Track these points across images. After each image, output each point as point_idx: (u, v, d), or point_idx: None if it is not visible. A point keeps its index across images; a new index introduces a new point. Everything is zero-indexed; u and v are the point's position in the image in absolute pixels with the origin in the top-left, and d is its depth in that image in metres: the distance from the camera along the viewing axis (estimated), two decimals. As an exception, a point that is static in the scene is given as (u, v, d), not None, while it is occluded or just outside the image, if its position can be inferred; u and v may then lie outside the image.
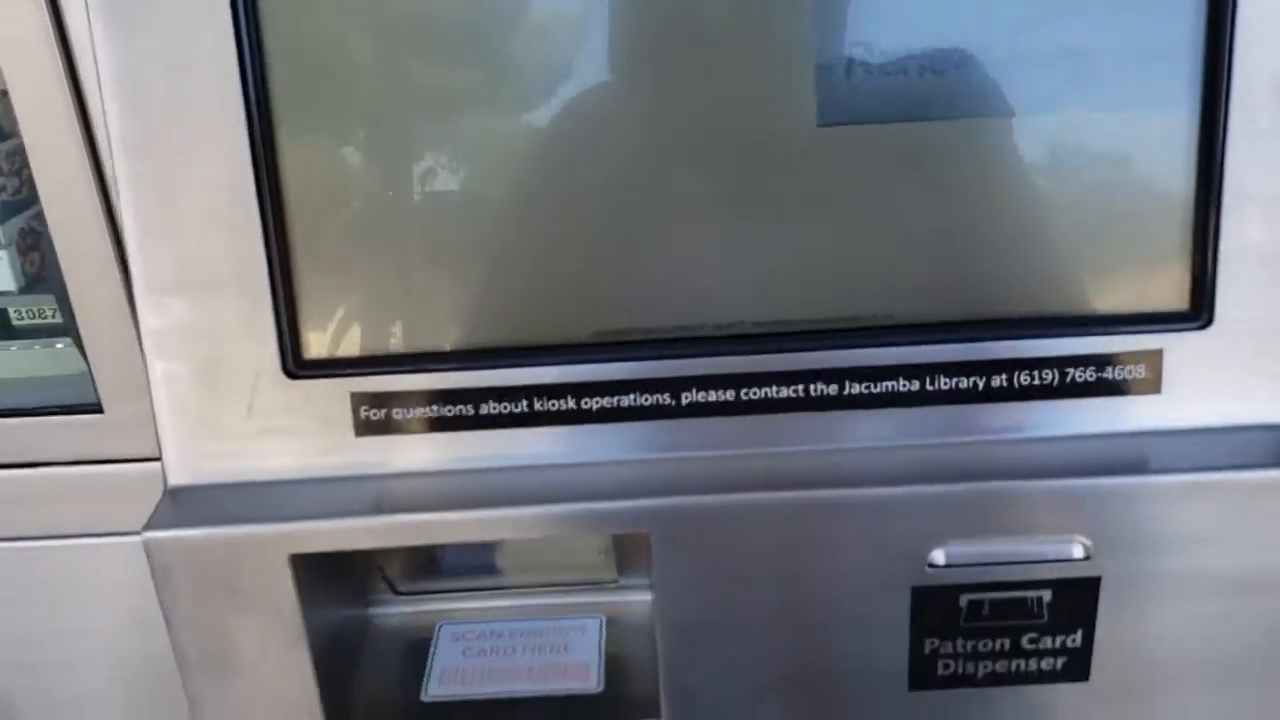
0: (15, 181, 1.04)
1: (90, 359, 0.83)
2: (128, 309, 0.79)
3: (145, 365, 0.75)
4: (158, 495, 0.83)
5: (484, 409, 0.73)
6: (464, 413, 0.73)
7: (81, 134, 0.76)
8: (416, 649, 0.85)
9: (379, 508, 0.71)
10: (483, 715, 0.79)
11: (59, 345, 0.97)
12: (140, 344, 0.78)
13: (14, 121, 0.76)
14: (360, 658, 0.84)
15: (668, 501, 0.70)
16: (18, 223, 1.01)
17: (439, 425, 0.73)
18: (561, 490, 0.72)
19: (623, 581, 0.87)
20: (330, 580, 0.78)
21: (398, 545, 0.73)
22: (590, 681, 0.81)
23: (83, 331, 0.82)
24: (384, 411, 0.73)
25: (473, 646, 0.84)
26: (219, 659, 0.73)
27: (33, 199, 0.96)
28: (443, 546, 0.86)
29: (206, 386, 0.72)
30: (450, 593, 0.88)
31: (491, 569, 0.88)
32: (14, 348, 1.00)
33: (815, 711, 0.76)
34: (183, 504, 0.72)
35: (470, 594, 0.88)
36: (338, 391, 0.73)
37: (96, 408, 0.85)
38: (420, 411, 0.73)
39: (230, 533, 0.70)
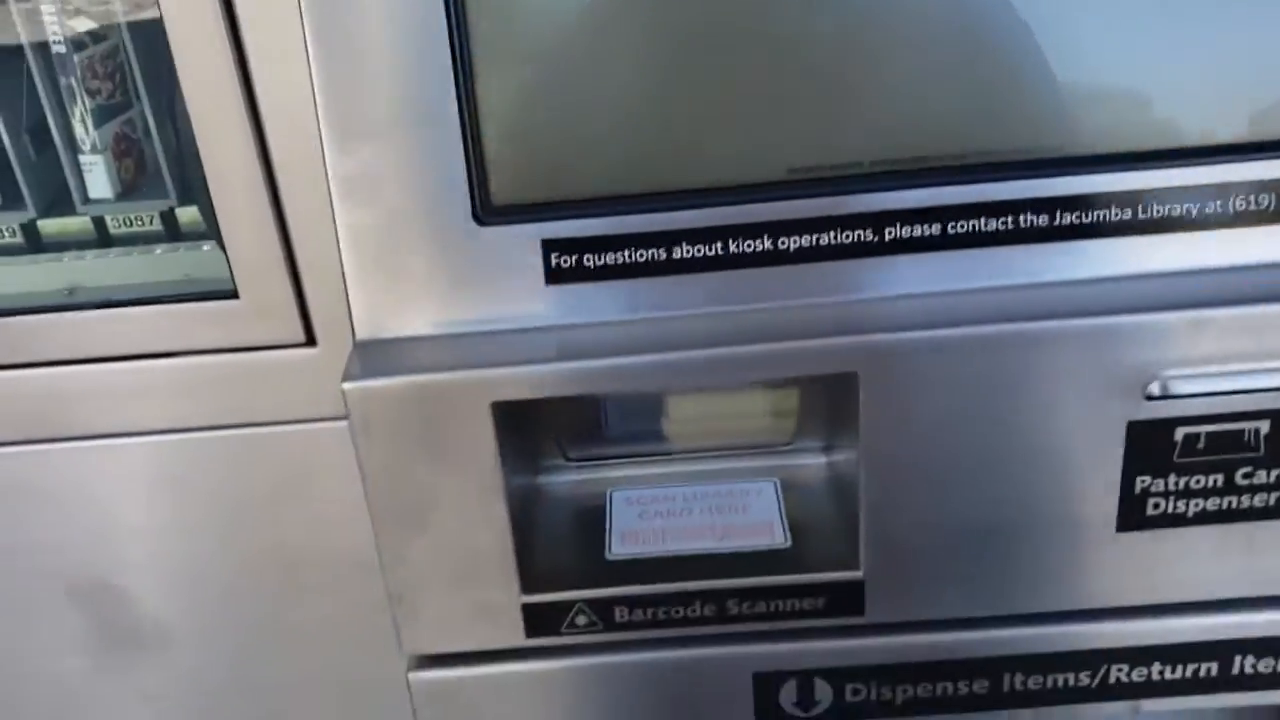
0: (109, 85, 1.02)
1: (226, 242, 0.81)
2: (265, 190, 0.77)
3: (284, 247, 0.74)
4: (298, 383, 0.83)
5: (677, 252, 0.71)
6: (657, 257, 0.71)
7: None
8: (587, 516, 0.84)
9: (577, 354, 0.69)
10: (669, 571, 0.78)
11: (158, 251, 0.95)
12: (279, 223, 0.76)
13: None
14: (535, 526, 0.83)
15: (877, 338, 0.68)
16: (112, 128, 0.99)
17: (632, 270, 0.71)
18: (762, 332, 0.70)
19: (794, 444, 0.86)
20: (511, 442, 0.77)
21: (604, 391, 0.72)
22: (777, 537, 0.79)
23: (217, 206, 0.80)
24: (575, 258, 0.71)
25: (648, 509, 0.83)
26: (415, 512, 0.72)
27: (126, 104, 0.94)
28: (607, 411, 0.85)
29: (394, 235, 0.70)
30: (617, 459, 0.86)
31: (657, 435, 0.86)
32: (112, 254, 0.98)
33: (1018, 557, 0.74)
34: (375, 356, 0.71)
35: (637, 461, 0.87)
36: (528, 238, 0.71)
37: (231, 294, 0.83)
38: (612, 257, 0.71)
39: (432, 380, 0.68)
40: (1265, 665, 0.77)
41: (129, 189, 0.96)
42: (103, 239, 0.96)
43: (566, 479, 0.86)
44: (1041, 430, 0.71)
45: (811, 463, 0.85)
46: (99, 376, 0.84)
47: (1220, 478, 0.71)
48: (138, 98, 0.93)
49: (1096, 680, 0.78)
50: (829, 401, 0.81)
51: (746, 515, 0.82)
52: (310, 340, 0.82)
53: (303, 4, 0.66)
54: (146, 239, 0.96)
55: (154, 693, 0.96)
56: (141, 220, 0.98)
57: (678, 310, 0.72)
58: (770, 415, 0.85)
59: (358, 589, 0.90)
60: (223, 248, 0.80)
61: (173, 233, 0.94)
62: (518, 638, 0.77)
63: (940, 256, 0.70)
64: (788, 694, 0.80)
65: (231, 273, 0.81)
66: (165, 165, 0.91)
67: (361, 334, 0.72)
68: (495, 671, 0.79)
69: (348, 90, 0.67)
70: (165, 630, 0.94)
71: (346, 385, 0.68)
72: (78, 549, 0.91)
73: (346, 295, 0.72)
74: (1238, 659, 0.77)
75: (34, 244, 0.94)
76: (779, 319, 0.71)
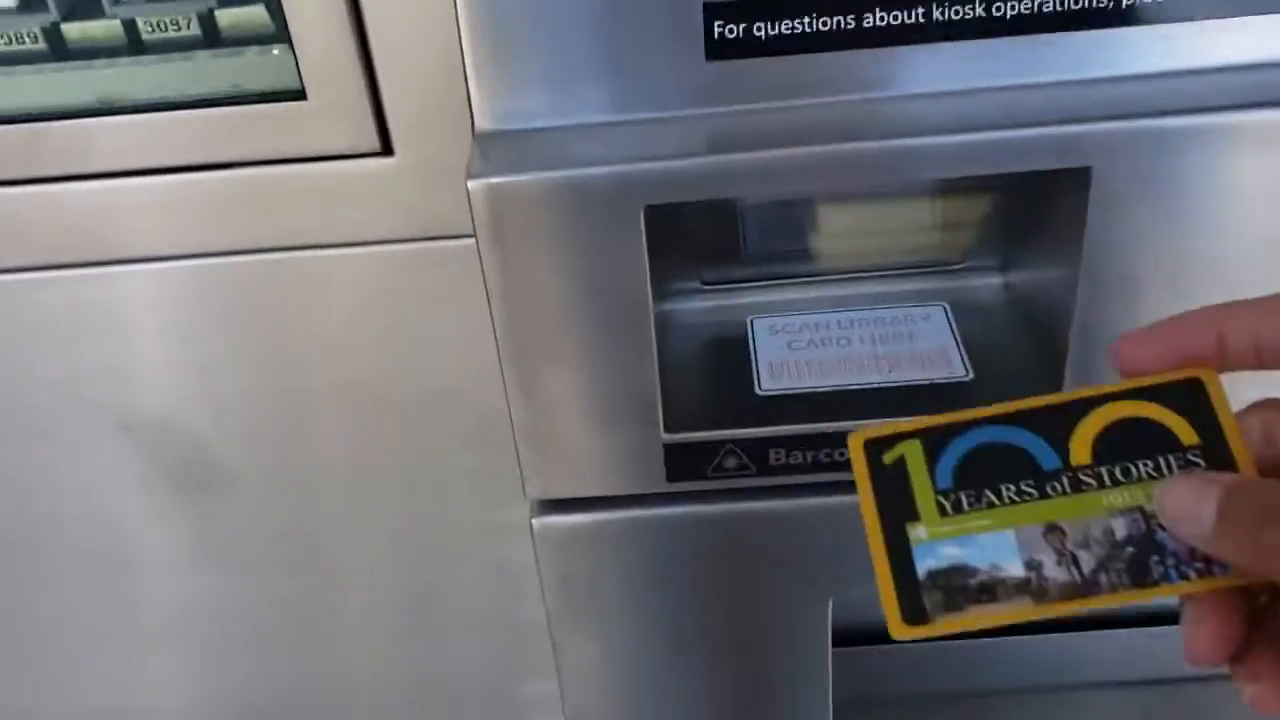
0: None
1: (293, 32, 0.68)
2: None
3: (359, 40, 0.63)
4: (372, 198, 0.71)
5: (868, 20, 0.58)
6: (843, 25, 0.58)
7: None
8: (724, 346, 0.73)
9: (747, 145, 0.57)
10: (829, 409, 0.68)
11: (198, 58, 0.82)
12: (352, 10, 0.64)
13: None
14: (667, 357, 0.72)
15: (1124, 125, 0.56)
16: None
17: (813, 43, 0.58)
18: (976, 119, 0.57)
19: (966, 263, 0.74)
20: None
21: (795, 191, 0.60)
22: (956, 368, 0.68)
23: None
24: (743, 26, 0.58)
25: (797, 339, 0.72)
26: (549, 338, 0.61)
27: None
28: (747, 225, 0.73)
29: (523, 2, 0.57)
30: (758, 282, 0.75)
31: (803, 255, 0.75)
32: (146, 62, 0.85)
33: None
34: (503, 150, 0.59)
35: (779, 285, 0.75)
36: (684, 2, 0.58)
37: (298, 94, 0.70)
38: (789, 25, 0.58)
39: (576, 178, 0.56)
40: None
41: None
42: (134, 46, 0.84)
43: (700, 305, 0.75)
44: (1296, 236, 0.59)
45: (986, 284, 0.73)
46: (151, 190, 0.73)
47: None
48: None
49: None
50: (1010, 209, 0.69)
51: (915, 344, 0.71)
52: (387, 149, 0.70)
53: None
54: (183, 45, 0.84)
55: (216, 537, 0.89)
56: (177, 24, 0.85)
57: (869, 93, 0.59)
58: (938, 229, 0.73)
59: (436, 427, 0.81)
60: (288, 39, 0.68)
61: (212, 39, 0.82)
62: (658, 482, 0.67)
63: (1177, 29, 0.57)
64: (958, 543, 0.70)
65: (298, 67, 0.69)
66: None
67: (482, 124, 0.60)
68: (629, 517, 0.70)
69: None
70: (228, 470, 0.86)
71: (472, 184, 0.57)
72: (135, 383, 0.81)
73: (465, 77, 0.59)
74: None
75: (58, 50, 0.81)
76: (991, 103, 0.58)
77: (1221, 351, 0.41)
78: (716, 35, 0.58)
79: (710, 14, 0.58)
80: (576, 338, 0.61)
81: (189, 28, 0.83)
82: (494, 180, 0.56)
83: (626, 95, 0.59)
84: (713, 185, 0.57)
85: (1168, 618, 0.81)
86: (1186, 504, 0.38)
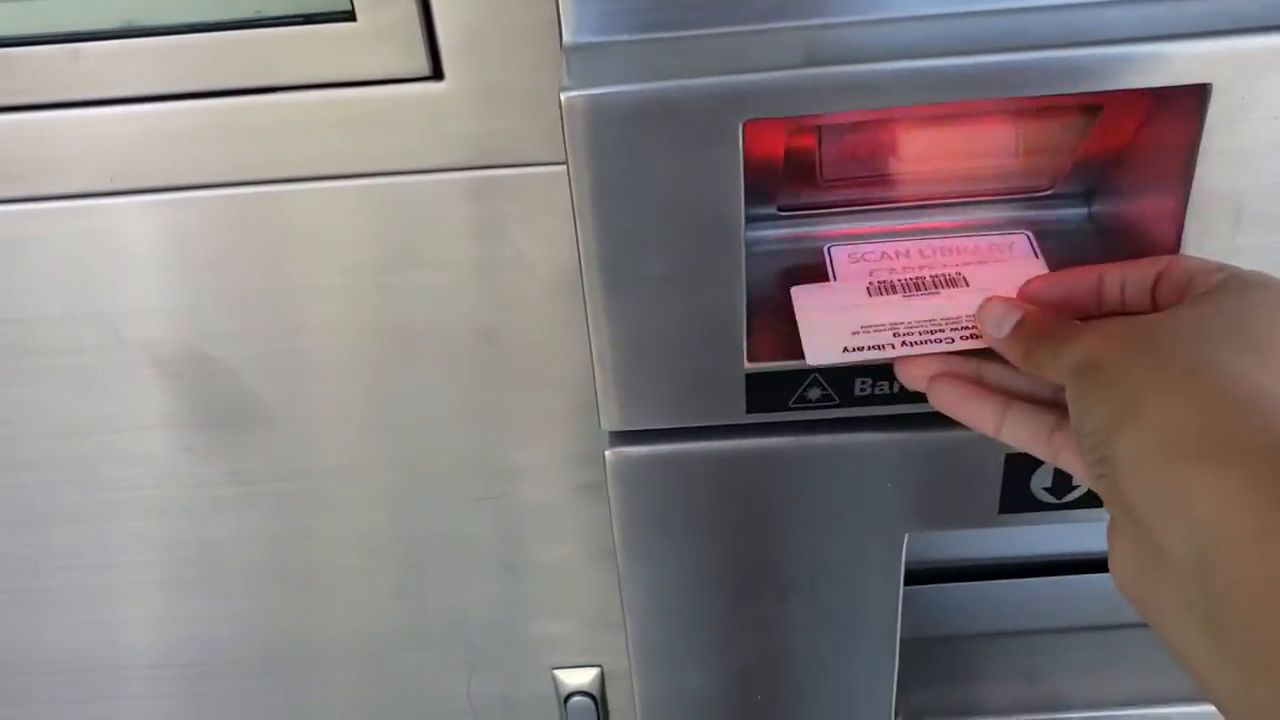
0: None
1: None
2: None
3: None
4: (421, 125, 0.69)
5: (975, -69, 0.55)
6: (948, -64, 0.55)
7: None
8: (802, 276, 0.71)
9: (851, 58, 0.55)
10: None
11: None
12: None
13: None
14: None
15: (1248, 41, 0.53)
16: None
17: (911, -46, 0.56)
18: (1087, 34, 0.55)
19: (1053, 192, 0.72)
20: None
21: (894, 103, 0.57)
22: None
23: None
24: (844, -62, 0.55)
25: (879, 267, 0.70)
26: (635, 259, 0.59)
27: None
28: (823, 149, 0.71)
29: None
30: (835, 210, 0.73)
31: (881, 181, 0.72)
32: None
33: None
34: (593, 63, 0.56)
35: (857, 213, 0.73)
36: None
37: (346, 15, 0.68)
38: (891, -64, 0.55)
39: (673, 89, 0.54)
40: None
41: None
42: None
43: (775, 233, 0.73)
44: None
45: (1071, 213, 0.71)
46: (189, 115, 0.71)
47: None
48: None
49: None
50: (1099, 137, 0.67)
51: (1004, 266, 0.68)
52: (438, 73, 0.68)
53: None
54: None
55: (251, 475, 0.87)
56: None
57: (980, 4, 0.57)
58: (1021, 154, 0.70)
59: (477, 366, 0.80)
60: None
61: None
62: (737, 413, 0.66)
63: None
64: (1041, 477, 0.69)
65: None
66: None
67: (570, 37, 0.58)
68: (706, 449, 0.68)
69: None
70: (264, 407, 0.84)
71: (565, 95, 0.54)
72: (168, 315, 0.79)
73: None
74: None
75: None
76: (1106, 16, 0.56)
77: (1099, 294, 0.57)
78: (815, -55, 0.55)
79: (808, -74, 0.55)
80: (665, 261, 0.59)
81: None
82: (588, 92, 0.54)
83: (718, 7, 0.57)
84: (814, 100, 0.55)
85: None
86: (996, 312, 0.58)
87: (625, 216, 0.58)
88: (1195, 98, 0.55)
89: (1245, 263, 0.59)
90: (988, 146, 0.70)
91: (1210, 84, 0.54)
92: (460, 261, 0.75)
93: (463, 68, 0.67)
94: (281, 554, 0.91)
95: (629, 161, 0.56)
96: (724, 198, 0.57)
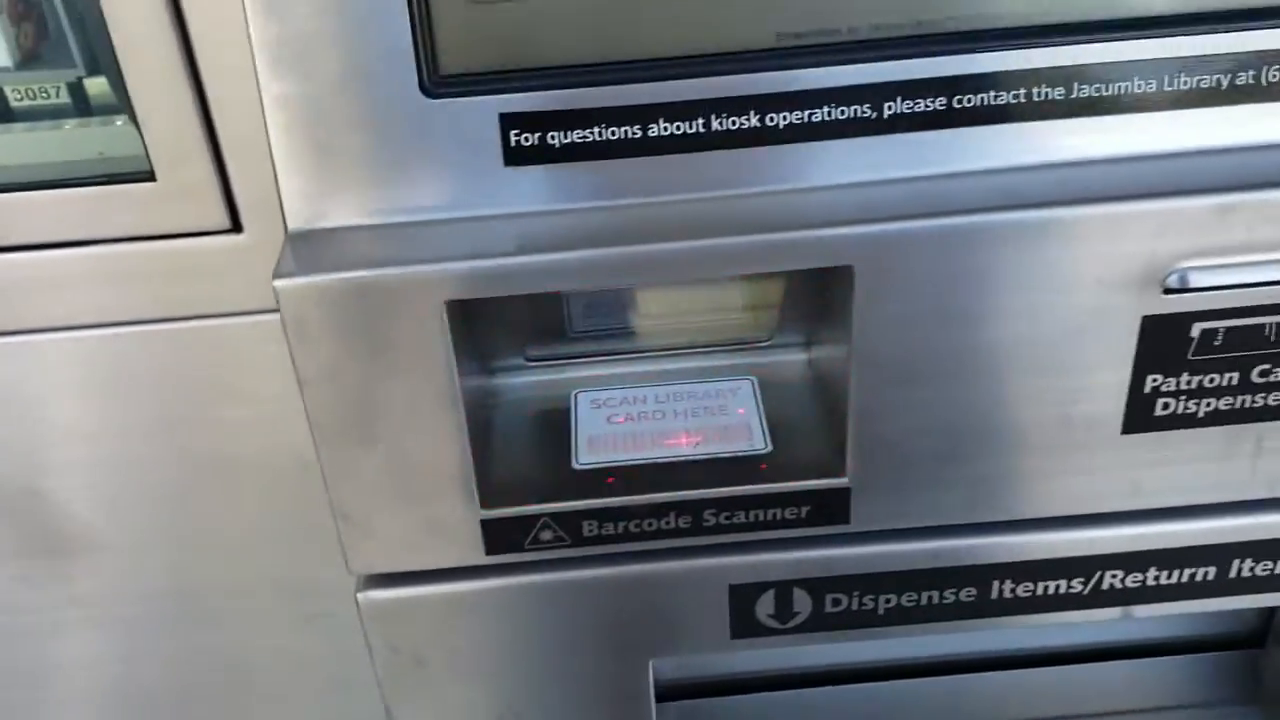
0: (3, -62, 0.89)
1: (139, 116, 0.71)
2: (180, 55, 0.67)
3: (204, 122, 0.66)
4: (224, 273, 0.74)
5: (653, 129, 0.63)
6: (631, 135, 0.63)
7: None
8: (548, 420, 0.77)
9: (540, 246, 0.62)
10: (641, 481, 0.72)
11: (67, 126, 0.85)
12: (197, 95, 0.67)
13: None
14: (492, 432, 0.76)
15: (877, 229, 0.61)
16: (7, -13, 0.87)
17: (602, 150, 0.63)
18: (749, 221, 0.62)
19: (774, 340, 0.79)
20: (463, 343, 0.69)
21: (572, 289, 0.64)
22: (756, 441, 0.73)
23: (128, 77, 0.70)
24: (538, 135, 0.63)
25: (616, 413, 0.76)
26: (360, 423, 0.65)
27: None
28: (570, 306, 0.77)
29: (330, 109, 0.61)
30: (582, 358, 0.79)
31: (625, 332, 0.79)
32: (16, 129, 0.87)
33: (1016, 460, 0.69)
34: (311, 249, 0.62)
35: (603, 360, 0.80)
36: (483, 112, 0.62)
37: (147, 175, 0.74)
38: (580, 134, 0.63)
39: (377, 277, 0.60)
40: (1263, 569, 0.74)
41: (29, 57, 0.85)
42: (3, 113, 0.85)
43: (525, 380, 0.79)
44: (1048, 326, 0.65)
45: (792, 359, 0.79)
46: (7, 269, 0.75)
47: (1235, 376, 0.67)
48: (33, -48, 0.81)
49: (1089, 587, 0.75)
50: (812, 293, 0.75)
51: (723, 417, 0.75)
52: (236, 226, 0.74)
53: None
54: (53, 113, 0.86)
55: (86, 600, 0.90)
56: (46, 92, 0.87)
57: (654, 196, 0.64)
58: (748, 309, 0.78)
59: (298, 490, 0.84)
60: (136, 124, 0.71)
61: (82, 106, 0.84)
62: (477, 555, 0.71)
63: (946, 135, 0.63)
64: (765, 605, 0.75)
65: (147, 152, 0.72)
66: (70, 30, 0.80)
67: (294, 224, 0.64)
68: (452, 590, 0.73)
69: (269, -64, 0.57)
70: (96, 536, 0.87)
71: (278, 283, 0.60)
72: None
73: (276, 180, 0.63)
74: (1236, 563, 0.74)
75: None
76: (766, 205, 0.64)
77: None
78: (513, 143, 0.63)
79: (507, 123, 0.62)
80: (386, 425, 0.65)
81: (58, 96, 0.85)
82: (299, 280, 0.60)
83: (430, 197, 0.64)
84: (507, 283, 0.61)
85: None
86: None
87: (346, 386, 0.63)
88: (846, 273, 0.63)
89: (913, 417, 0.67)
90: (715, 302, 0.78)
91: (852, 266, 0.62)
92: (273, 395, 0.79)
93: (260, 220, 0.72)
94: (120, 675, 0.93)
95: (343, 339, 0.62)
96: (436, 368, 0.63)
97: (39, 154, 0.84)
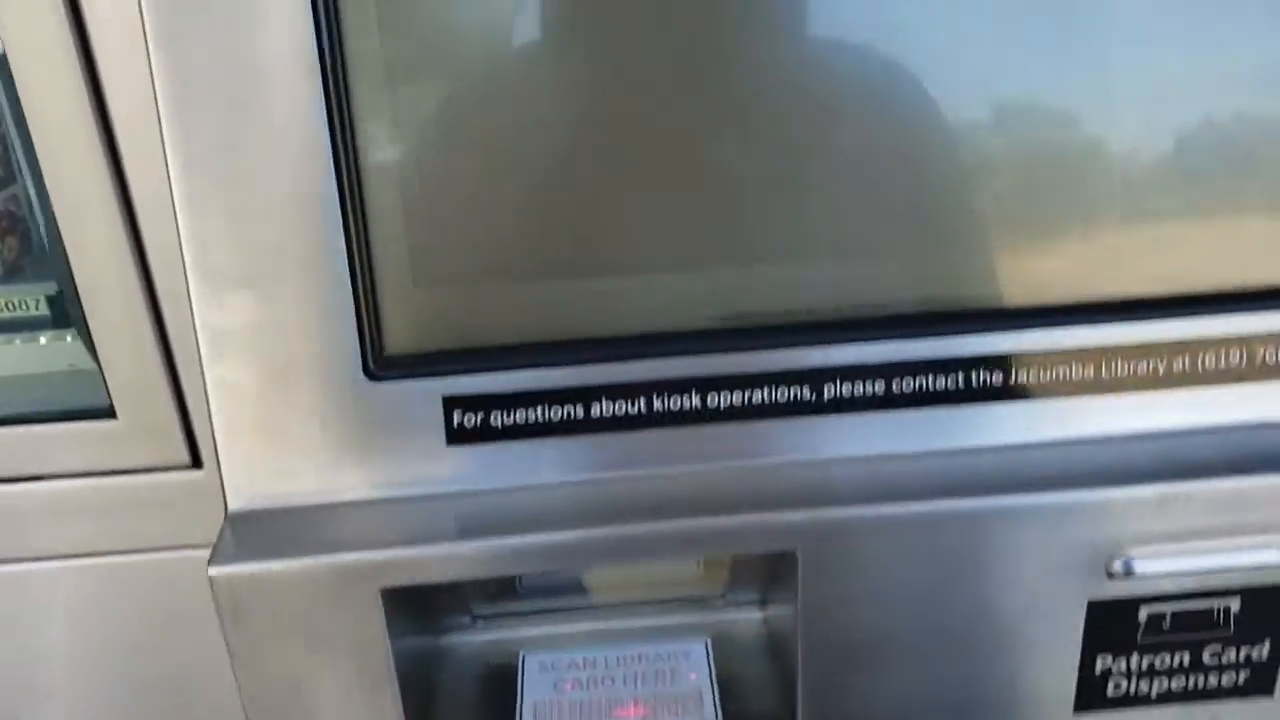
0: (-11, 160, 0.93)
1: (102, 358, 0.72)
2: (142, 300, 0.68)
3: (165, 362, 0.66)
4: (184, 506, 0.74)
5: (595, 410, 0.64)
6: (573, 414, 0.64)
7: (92, 103, 0.64)
8: (497, 679, 0.76)
9: (483, 530, 0.61)
10: (587, 755, 0.70)
11: (42, 340, 0.86)
12: (159, 337, 0.68)
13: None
14: (437, 692, 0.74)
15: (819, 515, 0.61)
16: (-7, 204, 0.90)
17: (544, 430, 0.64)
18: (691, 503, 0.62)
19: (727, 597, 0.78)
20: (407, 609, 0.68)
21: (512, 573, 0.64)
22: (707, 711, 0.71)
23: (93, 328, 0.71)
24: (480, 416, 0.63)
25: (564, 677, 0.75)
26: (295, 706, 0.63)
27: (9, 178, 0.85)
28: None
29: (274, 393, 0.62)
30: (531, 615, 0.78)
31: (575, 589, 0.78)
32: None
33: (969, 740, 0.68)
34: (250, 531, 0.62)
35: (553, 616, 0.78)
36: (427, 394, 0.63)
37: (108, 412, 0.74)
38: (522, 415, 0.63)
39: (313, 565, 0.60)
40: None
41: (11, 270, 0.88)
42: None
43: (473, 639, 0.78)
44: (995, 609, 0.64)
45: (746, 618, 0.78)
46: None
47: (1186, 656, 0.66)
48: (20, 173, 0.84)
49: None
50: (762, 557, 0.74)
51: (674, 684, 0.74)
52: (196, 462, 0.73)
53: (167, 146, 0.58)
54: (32, 325, 0.87)
55: None
56: (26, 304, 0.89)
57: (596, 474, 0.64)
58: (700, 565, 0.77)
59: None
60: (99, 365, 0.71)
61: (60, 318, 0.85)
62: (418, 835, 0.68)
63: (884, 416, 0.64)
64: None
65: (108, 392, 0.72)
66: (49, 246, 0.82)
67: (235, 504, 0.64)
68: None
69: (217, 234, 0.59)
70: None
71: (213, 570, 0.59)
72: None
73: (217, 459, 0.63)
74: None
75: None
76: (709, 485, 0.64)
77: None
78: (456, 423, 0.63)
79: (449, 405, 0.63)
80: (319, 705, 0.63)
81: (38, 308, 0.86)
82: (234, 568, 0.59)
83: (373, 476, 0.64)
84: (445, 570, 0.61)
85: None
86: None
87: (279, 668, 0.62)
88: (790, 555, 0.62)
89: (863, 697, 0.65)
90: (664, 561, 0.77)
91: (796, 550, 0.62)
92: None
93: (220, 457, 0.72)
94: None
95: (277, 624, 0.61)
96: (372, 652, 0.62)
97: (15, 365, 0.85)
